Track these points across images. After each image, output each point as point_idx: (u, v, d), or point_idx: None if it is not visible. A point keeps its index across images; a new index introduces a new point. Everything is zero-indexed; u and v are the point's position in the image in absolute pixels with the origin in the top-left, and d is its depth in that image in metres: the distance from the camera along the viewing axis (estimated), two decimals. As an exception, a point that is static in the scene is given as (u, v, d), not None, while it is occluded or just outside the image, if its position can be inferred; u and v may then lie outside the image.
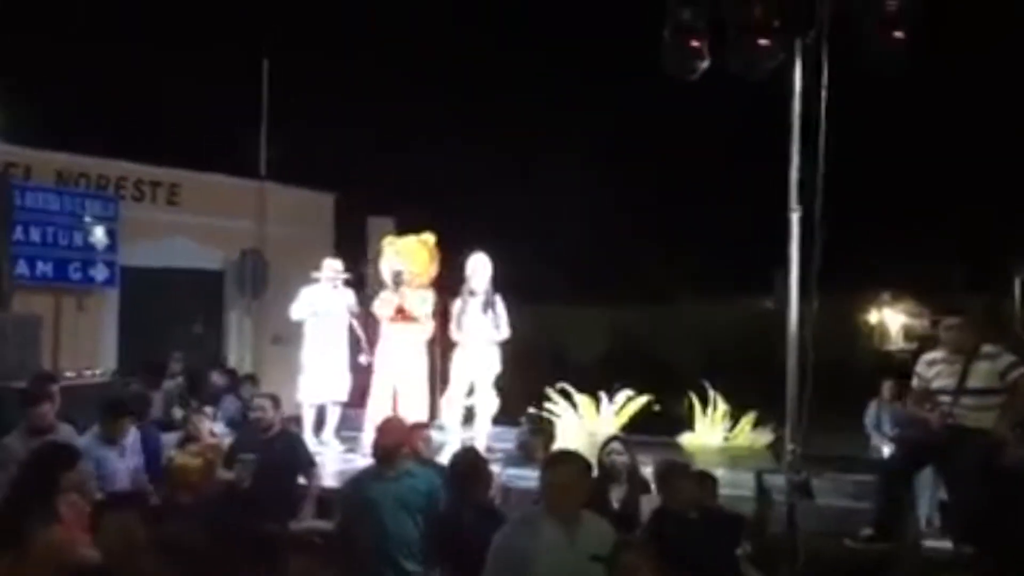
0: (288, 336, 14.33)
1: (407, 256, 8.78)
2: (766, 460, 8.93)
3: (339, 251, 15.82)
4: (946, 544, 5.80)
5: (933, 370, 5.89)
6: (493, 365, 8.42)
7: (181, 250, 13.62)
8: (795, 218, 5.46)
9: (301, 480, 6.59)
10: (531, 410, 9.94)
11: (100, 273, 12.13)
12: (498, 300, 8.41)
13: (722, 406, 9.72)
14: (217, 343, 14.57)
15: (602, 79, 24.92)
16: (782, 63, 5.55)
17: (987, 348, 5.74)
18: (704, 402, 10.30)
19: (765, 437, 9.52)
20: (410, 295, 8.58)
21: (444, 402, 8.53)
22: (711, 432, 9.52)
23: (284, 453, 6.47)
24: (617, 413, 10.21)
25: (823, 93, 5.36)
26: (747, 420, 9.61)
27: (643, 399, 10.28)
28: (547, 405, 10.19)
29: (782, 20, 5.30)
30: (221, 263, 14.43)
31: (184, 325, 13.73)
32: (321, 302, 8.93)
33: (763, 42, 5.29)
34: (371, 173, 17.35)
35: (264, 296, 14.14)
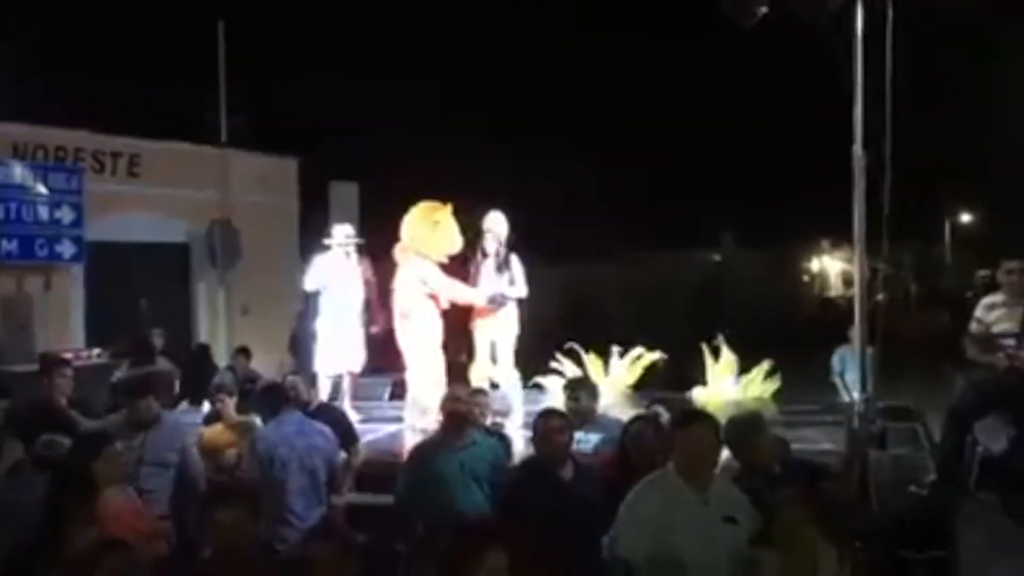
0: (256, 307, 14.22)
1: (403, 227, 8.49)
2: (776, 410, 9.02)
3: (304, 218, 15.59)
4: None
5: (993, 314, 5.91)
6: (512, 326, 8.24)
7: (144, 223, 13.12)
8: (860, 163, 5.31)
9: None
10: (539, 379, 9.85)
11: (67, 249, 11.59)
12: (513, 259, 8.20)
13: (730, 356, 9.69)
14: (186, 317, 14.13)
15: (554, 41, 24.85)
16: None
17: (1049, 290, 5.79)
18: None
19: (774, 385, 9.55)
20: (402, 267, 8.27)
21: (472, 369, 8.31)
22: (724, 385, 9.49)
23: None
24: (624, 372, 10.12)
25: (888, 38, 5.27)
26: (759, 370, 9.61)
27: (652, 356, 10.22)
28: (553, 365, 10.05)
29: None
30: (186, 235, 13.95)
31: (151, 300, 13.25)
32: (333, 272, 8.61)
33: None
34: (334, 137, 16.93)
35: (236, 266, 13.73)
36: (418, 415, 8.08)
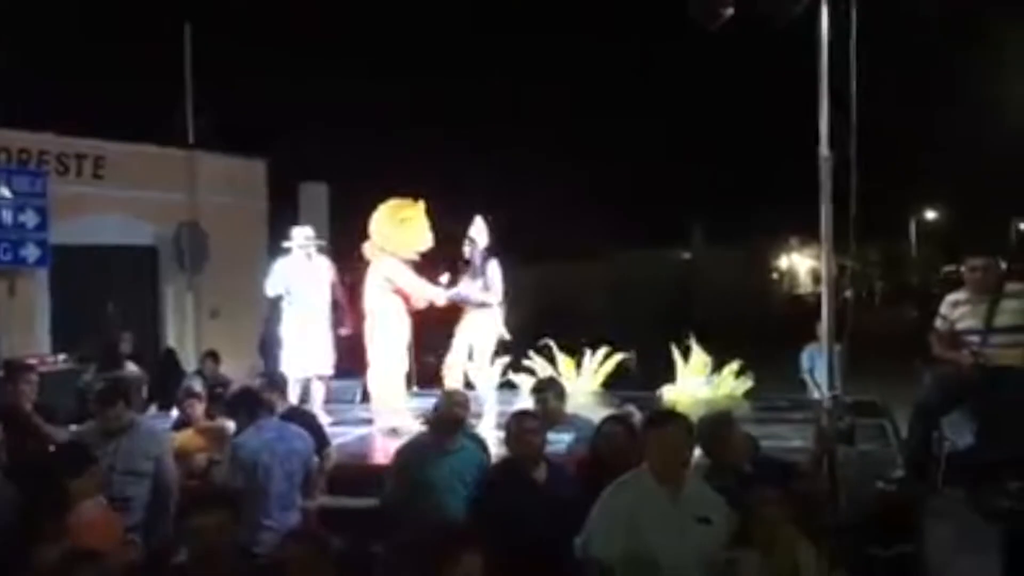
0: (225, 310, 14.10)
1: (371, 225, 8.51)
2: (747, 408, 9.10)
3: (273, 219, 15.48)
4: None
5: (958, 311, 6.00)
6: (489, 330, 8.26)
7: (110, 226, 12.97)
8: (826, 164, 5.37)
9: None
10: (511, 373, 9.87)
11: (31, 253, 11.43)
12: (490, 264, 8.24)
13: (702, 356, 9.75)
14: (153, 321, 13.99)
15: (526, 40, 24.87)
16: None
17: (1012, 286, 5.88)
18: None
19: (746, 384, 9.63)
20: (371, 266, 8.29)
21: (445, 369, 8.31)
22: (694, 383, 9.55)
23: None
24: (595, 371, 10.17)
25: (852, 40, 5.33)
26: (729, 369, 9.68)
27: (619, 356, 10.27)
28: (526, 364, 10.08)
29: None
30: (153, 238, 13.81)
31: (118, 305, 13.11)
32: (295, 274, 8.53)
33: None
34: (302, 138, 16.83)
35: (204, 269, 13.61)
36: (388, 415, 8.09)
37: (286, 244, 8.68)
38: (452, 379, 8.09)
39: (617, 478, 4.13)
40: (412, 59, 20.35)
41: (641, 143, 28.40)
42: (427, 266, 8.40)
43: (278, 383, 6.51)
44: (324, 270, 8.64)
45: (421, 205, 8.33)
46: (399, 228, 8.28)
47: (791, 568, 3.73)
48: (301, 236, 8.65)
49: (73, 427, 6.55)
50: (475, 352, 8.27)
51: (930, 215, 45.57)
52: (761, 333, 18.75)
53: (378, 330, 8.16)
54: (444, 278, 8.44)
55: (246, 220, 14.88)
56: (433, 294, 8.25)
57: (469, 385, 8.10)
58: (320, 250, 8.76)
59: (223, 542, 3.75)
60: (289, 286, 8.50)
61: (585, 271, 29.22)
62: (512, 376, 9.85)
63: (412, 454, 5.31)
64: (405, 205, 8.39)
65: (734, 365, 9.64)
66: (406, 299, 8.21)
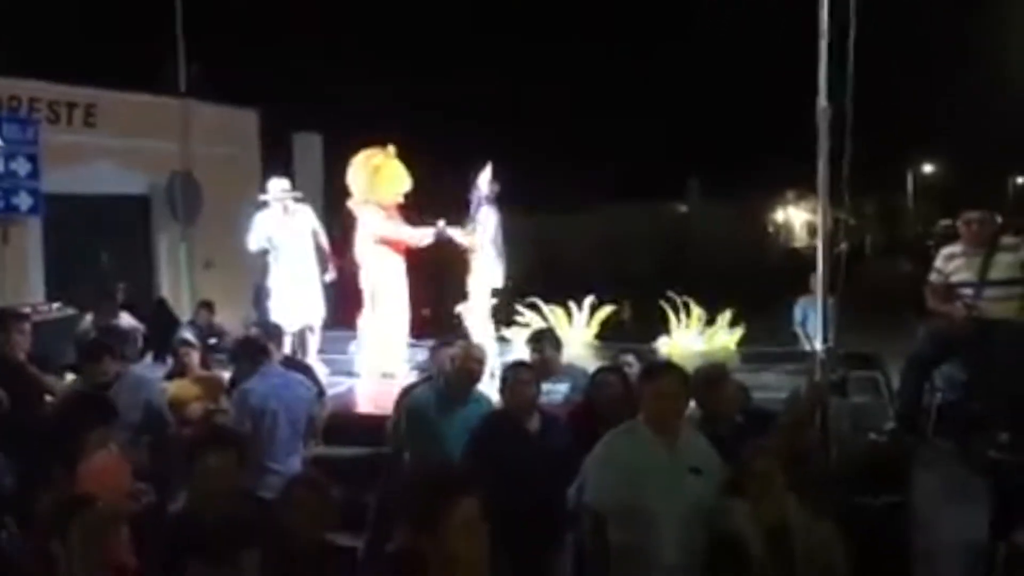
0: (218, 260, 14.04)
1: (348, 181, 8.63)
2: (739, 359, 9.14)
3: (266, 169, 15.35)
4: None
5: (953, 264, 6.00)
6: (486, 279, 8.30)
7: (102, 175, 12.88)
8: (824, 116, 5.33)
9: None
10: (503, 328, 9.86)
11: (24, 202, 11.35)
12: (482, 210, 8.28)
13: (696, 309, 9.77)
14: (147, 271, 13.95)
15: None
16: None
17: (1007, 240, 5.88)
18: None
19: (737, 334, 9.66)
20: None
21: (464, 312, 8.32)
22: (688, 335, 9.58)
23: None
24: (587, 323, 10.19)
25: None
26: (723, 320, 9.70)
27: (609, 307, 10.29)
28: (517, 319, 10.08)
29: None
30: (146, 187, 13.72)
31: (112, 254, 13.09)
32: (276, 228, 8.52)
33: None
34: (295, 88, 16.65)
35: (198, 220, 13.52)
36: (381, 361, 8.20)
37: (262, 197, 8.65)
38: (471, 323, 8.20)
39: (611, 427, 4.15)
40: (408, 8, 20.05)
41: (638, 97, 28.18)
42: (419, 212, 8.45)
43: (274, 332, 6.52)
44: (304, 220, 8.63)
45: (391, 149, 8.51)
46: (374, 177, 8.45)
47: (780, 518, 3.76)
48: (277, 188, 8.64)
49: (70, 376, 6.55)
50: (473, 301, 8.31)
51: (928, 169, 45.44)
52: (756, 286, 18.78)
53: (370, 280, 8.30)
54: (441, 222, 8.48)
55: (239, 170, 14.75)
56: (413, 235, 8.39)
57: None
58: (298, 200, 8.74)
59: (228, 482, 3.78)
60: (271, 239, 8.52)
61: (581, 224, 29.12)
62: (504, 331, 9.84)
63: (422, 404, 5.32)
64: (374, 153, 8.57)
65: (727, 315, 9.65)
66: (395, 246, 8.32)
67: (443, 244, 8.48)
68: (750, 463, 3.80)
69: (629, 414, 4.22)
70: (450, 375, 5.38)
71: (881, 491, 5.31)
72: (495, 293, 8.36)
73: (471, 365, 5.28)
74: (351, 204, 8.51)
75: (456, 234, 8.34)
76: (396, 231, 8.42)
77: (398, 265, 8.50)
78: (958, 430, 5.83)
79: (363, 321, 8.60)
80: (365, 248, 8.43)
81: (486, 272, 8.26)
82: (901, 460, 5.65)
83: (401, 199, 8.49)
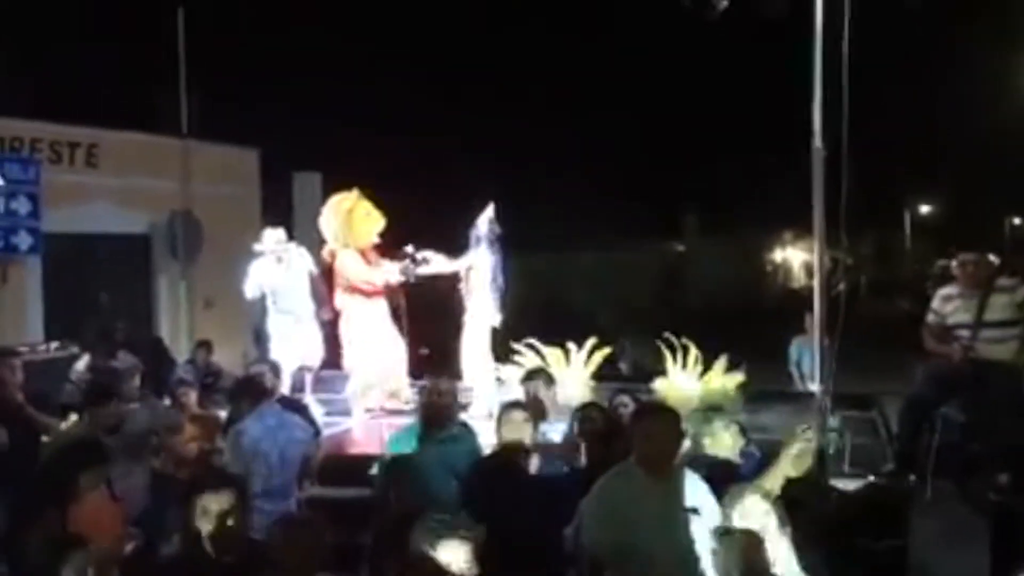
0: (218, 300, 14.05)
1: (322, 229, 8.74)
2: (737, 400, 9.08)
3: (266, 208, 15.43)
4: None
5: (950, 305, 6.02)
6: (484, 318, 8.31)
7: (103, 214, 12.93)
8: (819, 157, 5.37)
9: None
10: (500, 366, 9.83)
11: (23, 241, 11.38)
12: (476, 251, 8.31)
13: (693, 350, 9.70)
14: (147, 310, 13.96)
15: (518, 32, 24.79)
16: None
17: (1003, 281, 5.90)
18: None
19: (735, 379, 9.59)
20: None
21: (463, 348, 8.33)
22: (686, 377, 9.50)
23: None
24: (585, 364, 10.12)
25: (846, 31, 5.33)
26: (720, 364, 9.64)
27: (608, 348, 10.22)
28: (516, 359, 10.02)
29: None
30: (147, 226, 13.76)
31: (111, 293, 13.08)
32: (271, 276, 8.56)
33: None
34: (295, 127, 16.77)
35: (198, 259, 13.56)
36: (360, 398, 8.31)
37: (257, 247, 8.68)
38: (470, 361, 8.18)
39: (596, 463, 4.16)
40: (406, 48, 20.27)
41: (635, 135, 28.36)
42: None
43: (278, 370, 6.55)
44: (300, 263, 8.66)
45: (355, 192, 8.55)
46: (347, 220, 8.52)
47: (770, 557, 3.73)
48: (271, 240, 8.65)
49: (73, 417, 6.52)
50: (471, 342, 8.31)
51: (925, 209, 45.61)
52: (754, 326, 18.77)
53: (345, 326, 8.49)
54: (409, 248, 8.53)
55: (239, 209, 14.82)
56: (380, 276, 8.42)
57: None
58: (291, 242, 8.81)
59: (226, 525, 3.74)
60: (267, 288, 8.58)
61: (578, 263, 29.15)
62: (500, 368, 9.81)
63: (401, 440, 5.34)
64: (343, 198, 8.65)
65: (723, 360, 9.60)
66: (366, 292, 8.37)
67: (441, 278, 8.51)
68: (743, 503, 3.77)
69: (619, 451, 4.22)
70: (422, 413, 5.43)
71: (882, 534, 5.28)
72: (493, 333, 8.35)
73: (433, 399, 5.32)
74: (326, 252, 8.59)
75: (425, 269, 8.37)
76: (368, 275, 8.42)
77: (377, 309, 8.54)
78: (957, 471, 5.80)
79: (347, 363, 8.63)
80: (341, 296, 8.54)
81: (482, 313, 8.26)
82: (901, 502, 5.61)
83: (377, 239, 8.54)
